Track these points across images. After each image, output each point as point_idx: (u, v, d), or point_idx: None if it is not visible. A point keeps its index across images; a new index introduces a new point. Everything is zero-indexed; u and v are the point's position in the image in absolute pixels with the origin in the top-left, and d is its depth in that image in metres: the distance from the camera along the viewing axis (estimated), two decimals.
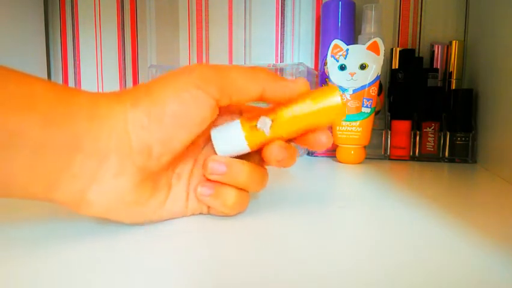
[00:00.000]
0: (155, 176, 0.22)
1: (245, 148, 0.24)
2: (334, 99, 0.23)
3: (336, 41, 0.48)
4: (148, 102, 0.21)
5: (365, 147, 0.49)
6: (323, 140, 0.24)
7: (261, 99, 0.23)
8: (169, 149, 0.21)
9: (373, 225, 0.24)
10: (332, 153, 0.53)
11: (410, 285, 0.16)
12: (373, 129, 0.49)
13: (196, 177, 0.25)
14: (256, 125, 0.23)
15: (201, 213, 0.26)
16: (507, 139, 0.39)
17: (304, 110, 0.23)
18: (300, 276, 0.17)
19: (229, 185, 0.24)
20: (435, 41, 0.57)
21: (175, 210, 0.24)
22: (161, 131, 0.20)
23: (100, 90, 0.72)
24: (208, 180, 0.24)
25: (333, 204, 0.29)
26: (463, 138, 0.50)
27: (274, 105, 0.24)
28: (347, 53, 0.47)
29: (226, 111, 0.26)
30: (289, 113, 0.23)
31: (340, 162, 0.49)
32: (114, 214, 0.21)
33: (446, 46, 0.55)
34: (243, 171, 0.24)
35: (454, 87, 0.54)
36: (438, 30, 0.58)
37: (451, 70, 0.55)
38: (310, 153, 0.55)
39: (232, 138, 0.24)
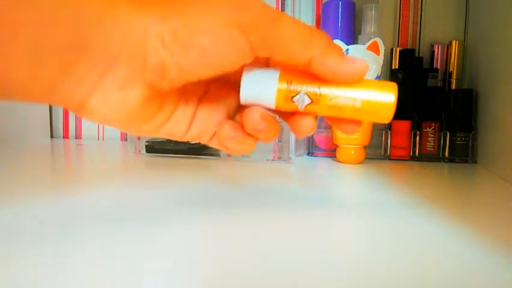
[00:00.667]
0: (163, 94, 0.21)
1: (270, 107, 0.22)
2: (388, 97, 0.21)
3: (336, 41, 0.48)
4: (179, 21, 0.18)
5: (365, 147, 0.49)
6: (350, 130, 0.23)
7: (306, 67, 0.21)
8: (185, 77, 0.20)
9: (373, 225, 0.24)
10: (332, 153, 0.53)
11: (410, 285, 0.16)
12: (373, 129, 0.49)
13: (205, 106, 0.24)
14: (292, 98, 0.21)
15: (199, 141, 0.25)
16: (507, 139, 0.39)
17: (350, 102, 0.21)
18: (300, 276, 0.17)
19: (250, 135, 0.23)
20: (435, 41, 0.57)
21: (174, 131, 0.23)
22: (183, 59, 0.19)
23: None
24: (229, 120, 0.23)
25: (332, 204, 0.29)
26: (463, 138, 0.50)
27: (321, 78, 0.21)
28: (347, 53, 0.47)
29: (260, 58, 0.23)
30: (333, 99, 0.21)
31: (340, 162, 0.49)
32: (113, 123, 0.20)
33: (446, 46, 0.55)
34: (273, 131, 0.23)
35: (454, 87, 0.54)
36: (438, 30, 0.58)
37: (451, 70, 0.55)
38: (310, 153, 0.55)
39: (262, 92, 0.22)
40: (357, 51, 0.47)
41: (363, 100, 0.21)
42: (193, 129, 0.24)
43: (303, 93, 0.21)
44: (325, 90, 0.21)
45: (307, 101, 0.21)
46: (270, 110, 0.22)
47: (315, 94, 0.21)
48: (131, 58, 0.18)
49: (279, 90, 0.21)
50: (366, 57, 0.46)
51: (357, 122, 0.23)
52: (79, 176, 0.39)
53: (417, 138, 0.52)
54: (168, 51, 0.18)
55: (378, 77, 0.47)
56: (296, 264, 0.18)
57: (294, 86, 0.21)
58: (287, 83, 0.21)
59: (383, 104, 0.21)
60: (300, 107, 0.21)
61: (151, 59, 0.18)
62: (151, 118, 0.21)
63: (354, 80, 0.21)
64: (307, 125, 0.23)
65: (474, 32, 0.53)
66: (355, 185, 0.37)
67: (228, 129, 0.23)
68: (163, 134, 0.23)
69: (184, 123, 0.23)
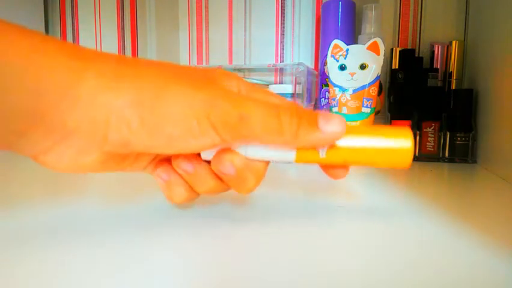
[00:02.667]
0: (123, 155, 0.21)
1: (291, 160, 0.22)
2: (405, 142, 0.21)
3: (336, 41, 0.48)
4: (149, 107, 0.18)
5: None
6: (341, 175, 0.24)
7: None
8: (149, 152, 0.20)
9: (373, 225, 0.24)
10: None
11: (410, 285, 0.16)
12: None
13: None
14: None
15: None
16: (507, 139, 0.39)
17: (369, 145, 0.21)
18: (300, 276, 0.17)
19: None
20: (435, 41, 0.57)
21: (139, 169, 0.23)
22: (149, 142, 0.18)
23: None
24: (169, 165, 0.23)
25: (332, 204, 0.29)
26: (463, 138, 0.50)
27: None
28: (347, 53, 0.47)
29: None
30: (351, 142, 0.21)
31: None
32: (69, 171, 0.20)
33: (446, 46, 0.55)
34: (253, 178, 0.22)
35: (454, 87, 0.54)
36: (438, 30, 0.58)
37: (451, 70, 0.55)
38: None
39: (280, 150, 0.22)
40: (357, 51, 0.47)
41: (382, 138, 0.21)
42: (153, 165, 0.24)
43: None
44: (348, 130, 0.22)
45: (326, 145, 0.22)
46: (290, 162, 0.23)
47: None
48: (90, 134, 0.17)
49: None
50: (366, 57, 0.46)
51: (346, 167, 0.24)
52: (75, 182, 0.39)
53: (417, 138, 0.52)
54: (133, 134, 0.18)
55: (378, 77, 0.47)
56: (295, 263, 0.18)
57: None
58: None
59: (402, 143, 0.21)
60: (321, 154, 0.22)
61: (113, 137, 0.18)
62: (111, 168, 0.21)
63: (339, 137, 0.21)
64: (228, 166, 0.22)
65: (474, 32, 0.53)
66: (355, 185, 0.37)
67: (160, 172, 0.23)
68: (128, 171, 0.23)
69: (144, 163, 0.23)
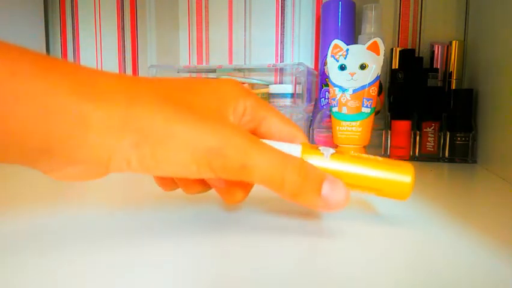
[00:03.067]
0: None
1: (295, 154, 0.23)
2: (405, 177, 0.22)
3: (336, 41, 0.48)
4: (150, 150, 0.18)
5: (365, 147, 0.49)
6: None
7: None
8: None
9: (372, 225, 0.24)
10: None
11: (410, 285, 0.16)
12: (373, 129, 0.49)
13: None
14: (318, 147, 0.22)
15: None
16: (507, 139, 0.39)
17: (370, 173, 0.22)
18: (299, 276, 0.17)
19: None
20: (435, 41, 0.57)
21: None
22: (146, 173, 0.19)
23: None
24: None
25: None
26: (463, 138, 0.50)
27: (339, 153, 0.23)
28: (347, 53, 0.47)
29: None
30: (353, 168, 0.22)
31: None
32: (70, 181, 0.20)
33: (446, 46, 0.55)
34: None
35: (454, 87, 0.54)
36: (438, 30, 0.58)
37: (450, 70, 0.55)
38: None
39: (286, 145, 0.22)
40: (357, 51, 0.47)
41: (383, 169, 0.22)
42: None
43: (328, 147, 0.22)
44: (346, 160, 0.22)
45: (332, 150, 0.22)
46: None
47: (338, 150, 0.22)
48: (94, 166, 0.18)
49: (304, 145, 0.23)
50: (366, 57, 0.46)
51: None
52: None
53: (417, 138, 0.52)
54: (132, 170, 0.19)
55: (378, 77, 0.47)
56: (295, 262, 0.18)
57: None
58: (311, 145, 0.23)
59: (401, 177, 0.22)
60: (326, 154, 0.22)
61: (113, 169, 0.19)
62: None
63: (339, 209, 0.21)
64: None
65: (474, 32, 0.53)
66: None
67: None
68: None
69: None
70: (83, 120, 0.17)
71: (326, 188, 0.20)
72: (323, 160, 0.22)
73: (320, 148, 0.22)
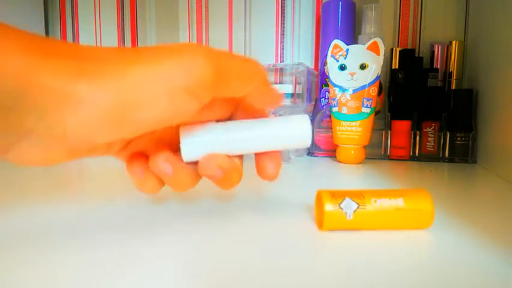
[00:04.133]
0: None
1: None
2: (427, 204, 0.22)
3: (336, 41, 0.48)
4: (107, 100, 0.16)
5: (365, 147, 0.49)
6: None
7: (238, 101, 0.23)
8: (119, 139, 0.18)
9: None
10: (332, 153, 0.53)
11: (410, 285, 0.16)
12: (373, 129, 0.49)
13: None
14: (339, 204, 0.22)
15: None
16: (507, 139, 0.39)
17: (393, 202, 0.22)
18: (300, 277, 0.17)
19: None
20: (435, 41, 0.57)
21: (107, 155, 0.22)
22: (116, 133, 0.17)
23: None
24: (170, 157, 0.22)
25: None
26: (463, 138, 0.50)
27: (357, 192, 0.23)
28: (347, 53, 0.47)
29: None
30: (377, 200, 0.22)
31: (340, 162, 0.49)
32: (38, 165, 0.19)
33: (446, 46, 0.55)
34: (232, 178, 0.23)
35: (454, 87, 0.54)
36: (438, 30, 0.58)
37: (450, 70, 0.55)
38: (310, 153, 0.55)
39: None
40: (357, 51, 0.47)
41: (404, 198, 0.22)
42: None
43: (349, 198, 0.22)
44: (367, 193, 0.22)
45: (354, 205, 0.22)
46: None
47: (360, 197, 0.22)
48: (47, 133, 0.16)
49: (325, 194, 0.22)
50: (366, 57, 0.46)
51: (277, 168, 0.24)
52: (74, 180, 0.39)
53: (417, 138, 0.52)
54: (94, 130, 0.17)
55: (378, 77, 0.47)
56: (295, 262, 0.18)
57: (338, 193, 0.22)
58: (330, 193, 0.22)
59: (423, 205, 0.22)
60: (349, 214, 0.22)
61: (71, 134, 0.16)
62: (81, 157, 0.20)
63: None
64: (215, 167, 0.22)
65: (474, 32, 0.53)
66: (355, 185, 0.37)
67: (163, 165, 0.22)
68: (99, 156, 0.22)
69: (120, 146, 0.22)
70: (25, 78, 0.15)
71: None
72: (346, 221, 0.22)
73: (341, 206, 0.22)
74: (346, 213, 0.22)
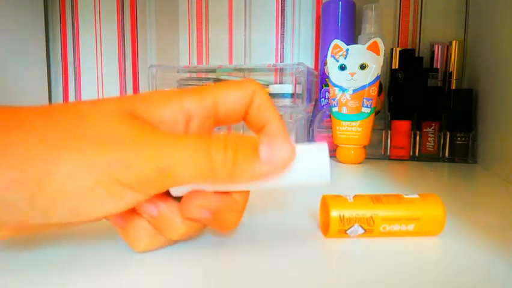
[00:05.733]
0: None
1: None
2: (437, 211, 0.21)
3: (336, 41, 0.48)
4: (35, 187, 0.15)
5: (365, 147, 0.49)
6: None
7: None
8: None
9: None
10: (332, 153, 0.53)
11: (410, 285, 0.16)
12: (373, 129, 0.49)
13: None
14: (346, 231, 0.21)
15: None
16: (507, 139, 0.39)
17: (403, 227, 0.21)
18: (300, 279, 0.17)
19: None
20: (435, 41, 0.57)
21: (76, 224, 0.19)
22: (48, 218, 0.16)
23: (100, 91, 0.72)
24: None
25: None
26: (463, 138, 0.50)
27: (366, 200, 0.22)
28: (347, 53, 0.47)
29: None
30: (386, 227, 0.21)
31: (340, 162, 0.49)
32: None
33: (446, 46, 0.55)
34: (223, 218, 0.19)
35: (454, 87, 0.54)
36: (438, 30, 0.58)
37: (450, 70, 0.55)
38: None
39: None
40: (357, 51, 0.47)
41: (415, 224, 0.21)
42: None
43: (357, 225, 0.21)
44: (378, 219, 0.21)
45: (361, 231, 0.21)
46: None
47: (370, 223, 0.21)
48: None
49: (333, 220, 0.21)
50: (366, 57, 0.46)
51: None
52: None
53: (417, 138, 0.52)
54: (24, 215, 0.15)
55: (378, 77, 0.47)
56: (295, 263, 0.18)
57: (348, 219, 0.21)
58: (340, 217, 0.21)
59: (434, 221, 0.22)
60: (353, 236, 0.22)
61: (2, 218, 0.15)
62: (36, 231, 0.18)
63: (287, 166, 0.18)
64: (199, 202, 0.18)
65: (474, 32, 0.53)
66: (355, 185, 0.37)
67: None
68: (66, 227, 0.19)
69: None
70: None
71: (263, 151, 0.17)
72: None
73: (347, 232, 0.21)
74: (350, 235, 0.21)
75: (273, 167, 0.17)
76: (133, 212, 0.18)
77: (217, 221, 0.19)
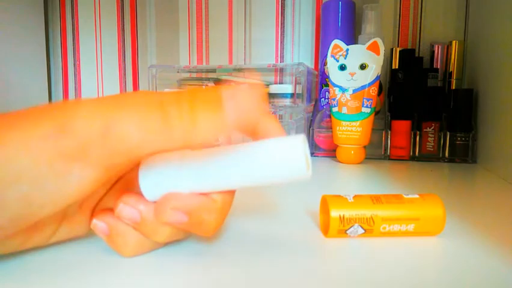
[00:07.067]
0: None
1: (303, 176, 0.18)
2: (438, 211, 0.21)
3: (336, 41, 0.48)
4: None
5: (365, 147, 0.49)
6: None
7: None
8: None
9: None
10: (332, 153, 0.53)
11: (410, 285, 0.16)
12: (373, 129, 0.49)
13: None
14: (345, 231, 0.21)
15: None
16: (507, 139, 0.39)
17: (404, 227, 0.21)
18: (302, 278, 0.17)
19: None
20: (435, 41, 0.57)
21: (74, 235, 0.19)
22: None
23: (100, 90, 0.73)
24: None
25: None
26: (463, 138, 0.50)
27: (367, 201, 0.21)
28: (347, 53, 0.47)
29: None
30: (386, 227, 0.21)
31: (340, 162, 0.49)
32: None
33: (446, 46, 0.55)
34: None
35: (454, 87, 0.54)
36: (439, 30, 0.58)
37: (450, 70, 0.55)
38: (310, 153, 0.55)
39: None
40: (357, 51, 0.47)
41: (415, 224, 0.21)
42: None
43: (357, 225, 0.21)
44: (378, 219, 0.21)
45: (361, 231, 0.21)
46: None
47: (370, 223, 0.21)
48: None
49: (333, 220, 0.21)
50: (366, 57, 0.46)
51: None
52: None
53: (417, 138, 0.52)
54: None
55: (378, 77, 0.47)
56: (295, 263, 0.18)
57: (348, 219, 0.21)
58: (340, 217, 0.21)
59: (434, 221, 0.22)
60: (353, 236, 0.22)
61: None
62: (11, 249, 0.17)
63: (255, 115, 0.15)
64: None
65: (474, 32, 0.53)
66: (355, 185, 0.37)
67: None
68: (61, 239, 0.19)
69: (83, 222, 0.19)
70: None
71: (227, 99, 0.15)
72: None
73: (347, 232, 0.21)
74: (350, 235, 0.22)
75: (241, 114, 0.15)
76: (116, 217, 0.18)
77: (196, 223, 0.17)
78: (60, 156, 0.14)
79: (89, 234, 0.20)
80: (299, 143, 0.16)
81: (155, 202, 0.18)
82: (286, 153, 0.16)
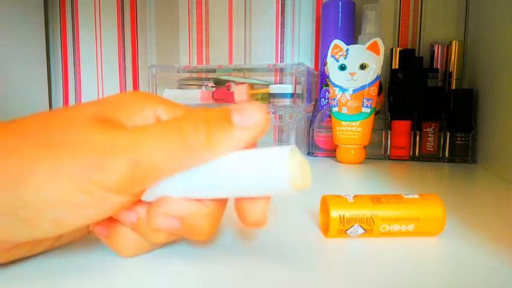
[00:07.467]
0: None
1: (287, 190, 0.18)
2: (438, 211, 0.21)
3: (336, 41, 0.48)
4: (10, 200, 0.15)
5: (365, 147, 0.49)
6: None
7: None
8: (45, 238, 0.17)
9: None
10: (332, 153, 0.53)
11: (410, 285, 0.16)
12: (373, 129, 0.49)
13: None
14: (345, 231, 0.21)
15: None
16: (507, 139, 0.39)
17: (404, 227, 0.21)
18: (302, 280, 0.17)
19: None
20: (435, 41, 0.57)
21: (76, 237, 0.20)
22: (31, 233, 0.16)
23: (100, 90, 0.73)
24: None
25: None
26: (463, 138, 0.50)
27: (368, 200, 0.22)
28: (347, 53, 0.47)
29: None
30: (386, 227, 0.21)
31: (340, 162, 0.49)
32: None
33: (446, 46, 0.55)
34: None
35: (454, 87, 0.54)
36: (439, 30, 0.58)
37: (450, 70, 0.55)
38: (310, 153, 0.55)
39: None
40: (357, 51, 0.47)
41: (415, 224, 0.21)
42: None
43: (357, 225, 0.21)
44: (378, 219, 0.21)
45: (361, 231, 0.21)
46: None
47: (370, 223, 0.21)
48: None
49: (333, 220, 0.21)
50: (366, 57, 0.46)
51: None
52: None
53: (417, 138, 0.52)
54: (4, 230, 0.15)
55: (378, 77, 0.47)
56: (295, 266, 0.18)
57: (348, 219, 0.21)
58: (340, 217, 0.21)
59: (434, 221, 0.22)
60: (353, 236, 0.22)
61: None
62: (23, 255, 0.18)
63: (261, 128, 0.17)
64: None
65: (474, 32, 0.53)
66: (355, 185, 0.37)
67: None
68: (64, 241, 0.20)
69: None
70: None
71: (236, 116, 0.17)
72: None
73: (347, 232, 0.21)
74: (350, 235, 0.22)
75: (248, 130, 0.17)
76: (115, 219, 0.18)
77: (188, 229, 0.17)
78: (100, 187, 0.15)
79: (89, 234, 0.20)
80: (284, 157, 0.16)
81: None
82: (272, 167, 0.16)
